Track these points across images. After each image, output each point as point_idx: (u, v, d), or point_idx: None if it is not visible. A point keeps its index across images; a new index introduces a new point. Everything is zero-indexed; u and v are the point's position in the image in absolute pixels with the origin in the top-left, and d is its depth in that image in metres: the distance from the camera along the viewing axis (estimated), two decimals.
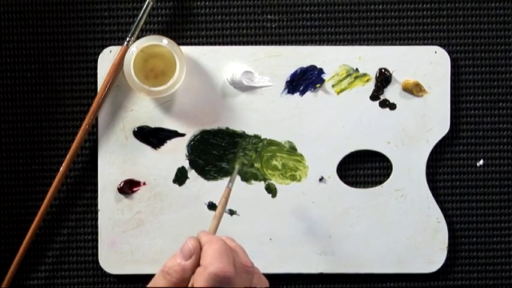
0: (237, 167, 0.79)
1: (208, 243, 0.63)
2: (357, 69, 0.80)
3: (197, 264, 0.63)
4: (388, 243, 0.81)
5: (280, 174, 0.81)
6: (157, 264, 0.80)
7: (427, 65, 0.80)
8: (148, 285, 0.64)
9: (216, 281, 0.60)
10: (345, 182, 0.81)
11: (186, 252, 0.63)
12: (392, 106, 0.80)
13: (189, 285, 0.62)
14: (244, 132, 0.80)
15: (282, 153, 0.80)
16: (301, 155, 0.81)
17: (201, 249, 0.63)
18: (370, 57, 0.80)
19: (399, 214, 0.81)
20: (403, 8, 0.81)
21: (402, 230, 0.81)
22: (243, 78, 0.79)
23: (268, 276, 0.81)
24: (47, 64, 0.81)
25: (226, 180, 0.81)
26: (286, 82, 0.80)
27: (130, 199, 0.80)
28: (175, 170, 0.80)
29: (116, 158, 0.80)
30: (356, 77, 0.80)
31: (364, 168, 0.82)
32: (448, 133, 0.81)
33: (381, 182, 0.81)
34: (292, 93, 0.80)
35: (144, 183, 0.80)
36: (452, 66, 0.81)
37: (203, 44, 0.81)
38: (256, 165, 0.80)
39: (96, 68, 0.80)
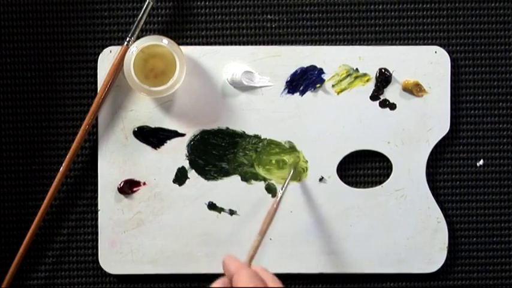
0: (291, 170, 0.80)
1: (238, 270, 0.67)
2: (357, 69, 0.80)
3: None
4: (388, 243, 0.81)
5: (280, 174, 0.81)
6: (157, 264, 0.80)
7: (427, 65, 0.80)
8: None
9: None
10: (345, 182, 0.81)
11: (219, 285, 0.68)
12: (392, 106, 0.81)
13: None
14: (244, 132, 0.80)
15: (282, 153, 0.80)
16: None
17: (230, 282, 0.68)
18: (370, 57, 0.80)
19: (399, 214, 0.81)
20: (403, 8, 0.81)
21: (402, 230, 0.81)
22: (243, 78, 0.79)
23: None
24: (47, 64, 0.81)
25: (226, 180, 0.81)
26: (286, 82, 0.80)
27: (131, 199, 0.80)
28: (175, 170, 0.80)
29: (116, 158, 0.80)
30: (356, 77, 0.80)
31: (364, 168, 0.82)
32: (448, 133, 0.81)
33: (381, 182, 0.81)
34: (292, 93, 0.80)
35: (144, 183, 0.80)
36: (452, 66, 0.81)
37: (203, 44, 0.81)
38: (256, 165, 0.80)
39: (96, 68, 0.80)
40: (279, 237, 0.81)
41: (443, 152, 0.82)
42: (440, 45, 0.81)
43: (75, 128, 0.80)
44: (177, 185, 0.80)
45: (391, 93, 0.80)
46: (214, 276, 0.81)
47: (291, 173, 0.79)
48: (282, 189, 0.78)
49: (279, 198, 0.76)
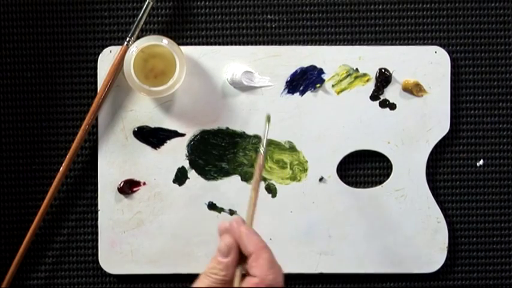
0: (267, 124, 0.75)
1: (257, 251, 0.65)
2: (357, 69, 0.80)
3: (237, 258, 0.66)
4: (388, 243, 0.81)
5: (280, 174, 0.81)
6: (157, 264, 0.80)
7: (427, 65, 0.80)
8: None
9: None
10: (345, 182, 0.81)
11: (224, 250, 0.66)
12: (392, 106, 0.81)
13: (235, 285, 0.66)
14: (244, 132, 0.80)
15: (282, 153, 0.80)
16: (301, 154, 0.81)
17: (237, 245, 0.66)
18: (370, 57, 0.80)
19: (399, 214, 0.81)
20: (403, 8, 0.81)
21: (402, 230, 0.81)
22: (243, 78, 0.79)
23: None
24: (47, 64, 0.81)
25: (226, 180, 0.81)
26: (286, 82, 0.80)
27: (130, 199, 0.80)
28: (175, 170, 0.80)
29: (116, 158, 0.80)
30: (356, 77, 0.80)
31: (364, 168, 0.82)
32: (448, 133, 0.81)
33: (381, 182, 0.81)
34: (292, 93, 0.80)
35: (144, 183, 0.80)
36: (452, 66, 0.81)
37: (203, 44, 0.81)
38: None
39: (96, 68, 0.80)
40: (279, 237, 0.80)
41: (443, 152, 0.82)
42: (440, 45, 0.81)
43: (75, 128, 0.80)
44: (177, 185, 0.80)
45: (391, 93, 0.80)
46: None
47: (268, 126, 0.75)
48: (263, 142, 0.73)
49: (263, 147, 0.73)
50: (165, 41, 0.77)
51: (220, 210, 0.80)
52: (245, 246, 0.66)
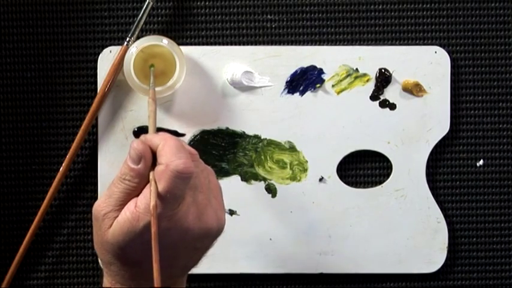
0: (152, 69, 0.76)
1: (163, 141, 0.61)
2: (356, 69, 0.80)
3: (149, 165, 0.62)
4: (388, 243, 0.81)
5: (280, 174, 0.81)
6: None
7: (427, 65, 0.80)
8: (106, 193, 0.63)
9: (179, 178, 0.60)
10: (345, 182, 0.81)
11: (134, 156, 0.62)
12: (392, 106, 0.80)
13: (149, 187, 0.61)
14: (244, 132, 0.80)
15: (281, 153, 0.80)
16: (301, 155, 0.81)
17: (151, 150, 0.62)
18: (370, 57, 0.80)
19: (399, 214, 0.81)
20: (403, 8, 0.81)
21: (402, 230, 0.81)
22: (243, 78, 0.79)
23: (268, 276, 0.81)
24: (47, 64, 0.81)
25: (226, 180, 0.80)
26: (286, 82, 0.80)
27: None
28: None
29: (116, 158, 0.80)
30: (356, 77, 0.80)
31: (364, 168, 0.82)
32: (448, 133, 0.81)
33: (380, 182, 0.81)
34: (292, 93, 0.80)
35: None
36: (452, 66, 0.81)
37: (203, 44, 0.81)
38: (256, 165, 0.80)
39: (96, 68, 0.80)
40: (279, 237, 0.80)
41: (443, 152, 0.82)
42: (440, 45, 0.81)
43: (75, 128, 0.80)
44: None
45: (391, 93, 0.80)
46: (215, 276, 0.81)
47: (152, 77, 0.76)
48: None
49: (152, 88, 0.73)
50: (165, 41, 0.77)
51: None
52: (154, 144, 0.62)
